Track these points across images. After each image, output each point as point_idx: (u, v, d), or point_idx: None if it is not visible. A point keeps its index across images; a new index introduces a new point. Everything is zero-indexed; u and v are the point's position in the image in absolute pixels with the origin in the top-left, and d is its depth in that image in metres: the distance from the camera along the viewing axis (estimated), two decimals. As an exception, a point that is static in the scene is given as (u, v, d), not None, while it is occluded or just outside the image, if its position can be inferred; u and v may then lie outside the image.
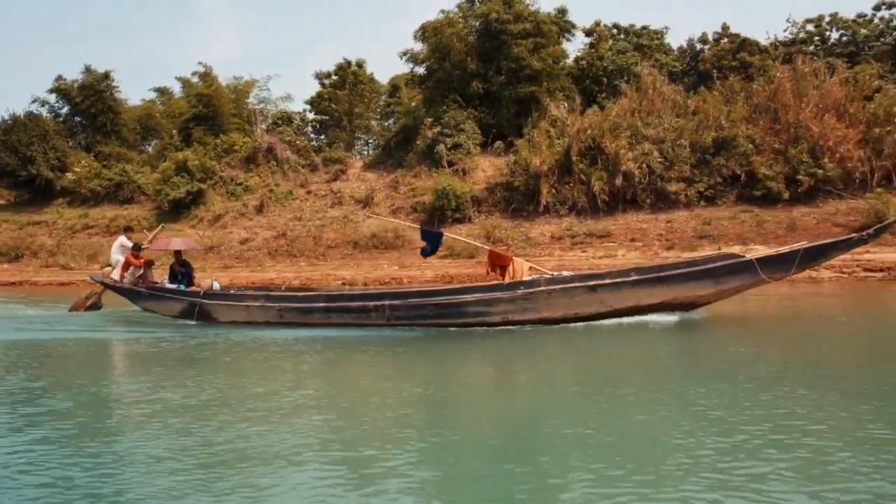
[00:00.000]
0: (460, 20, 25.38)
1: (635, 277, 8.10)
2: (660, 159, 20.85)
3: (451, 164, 23.30)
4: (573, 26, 26.59)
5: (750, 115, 22.21)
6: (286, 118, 29.30)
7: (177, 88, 36.22)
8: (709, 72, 28.12)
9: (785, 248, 8.28)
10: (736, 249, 17.00)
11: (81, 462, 3.48)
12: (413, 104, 27.11)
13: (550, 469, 3.30)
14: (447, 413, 4.54)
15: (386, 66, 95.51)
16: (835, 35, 29.55)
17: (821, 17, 29.49)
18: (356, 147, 33.58)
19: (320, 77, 29.53)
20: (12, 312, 11.92)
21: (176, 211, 27.00)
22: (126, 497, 3.03)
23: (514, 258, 8.96)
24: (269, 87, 34.42)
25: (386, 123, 32.37)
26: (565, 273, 8.80)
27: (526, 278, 8.42)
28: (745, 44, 29.30)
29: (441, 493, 3.05)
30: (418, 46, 26.36)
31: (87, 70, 32.73)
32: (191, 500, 2.97)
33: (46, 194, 30.56)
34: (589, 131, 21.25)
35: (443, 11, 25.83)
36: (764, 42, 29.55)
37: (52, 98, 33.76)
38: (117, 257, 11.58)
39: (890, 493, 2.84)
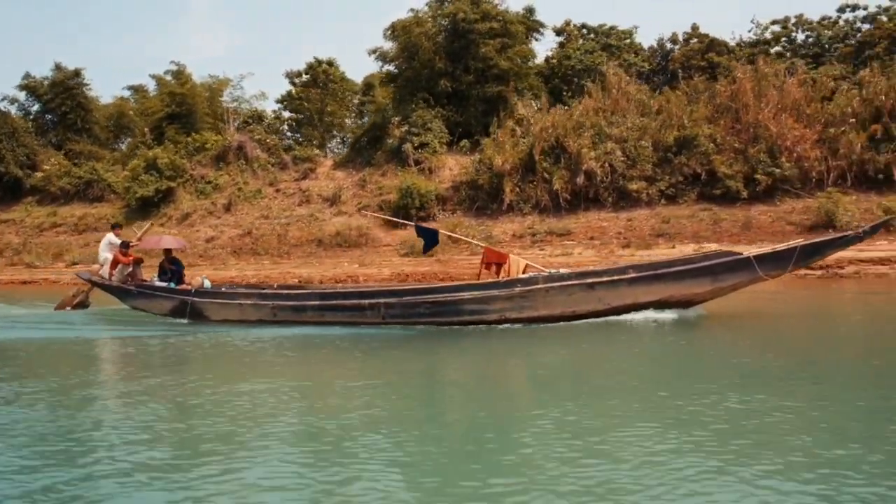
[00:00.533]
0: (429, 19, 25.47)
1: (633, 275, 8.07)
2: (622, 158, 21.07)
3: (417, 162, 23.41)
4: (541, 26, 26.77)
5: (712, 114, 22.50)
6: (257, 117, 29.24)
7: (153, 86, 36.13)
8: (678, 71, 28.42)
9: (782, 246, 8.29)
10: (690, 248, 17.29)
11: (56, 461, 3.42)
12: (386, 102, 27.18)
13: (522, 470, 3.23)
14: (430, 414, 4.47)
15: (366, 64, 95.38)
16: (801, 36, 29.97)
17: (787, 19, 29.89)
18: (331, 145, 33.58)
19: (291, 76, 29.53)
20: None
21: (145, 209, 26.89)
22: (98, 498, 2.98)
23: (510, 255, 8.91)
24: (242, 85, 34.39)
25: (360, 122, 32.41)
26: (563, 270, 8.73)
27: (523, 276, 8.36)
28: (713, 44, 29.63)
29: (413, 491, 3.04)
30: (388, 45, 26.45)
31: (58, 67, 32.51)
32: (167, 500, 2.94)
33: (15, 192, 30.30)
34: (552, 130, 21.42)
35: (412, 10, 25.96)
36: (732, 42, 29.89)
37: (22, 96, 33.51)
38: (105, 255, 11.38)
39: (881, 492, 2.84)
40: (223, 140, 28.27)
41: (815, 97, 22.02)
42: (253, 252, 22.07)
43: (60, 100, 32.25)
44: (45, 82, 32.63)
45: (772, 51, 30.01)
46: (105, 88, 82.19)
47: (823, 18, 29.96)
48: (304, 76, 29.81)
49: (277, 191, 25.95)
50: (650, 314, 7.99)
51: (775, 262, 7.86)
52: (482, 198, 21.72)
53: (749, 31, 31.03)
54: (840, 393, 4.55)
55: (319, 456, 3.48)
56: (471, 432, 3.93)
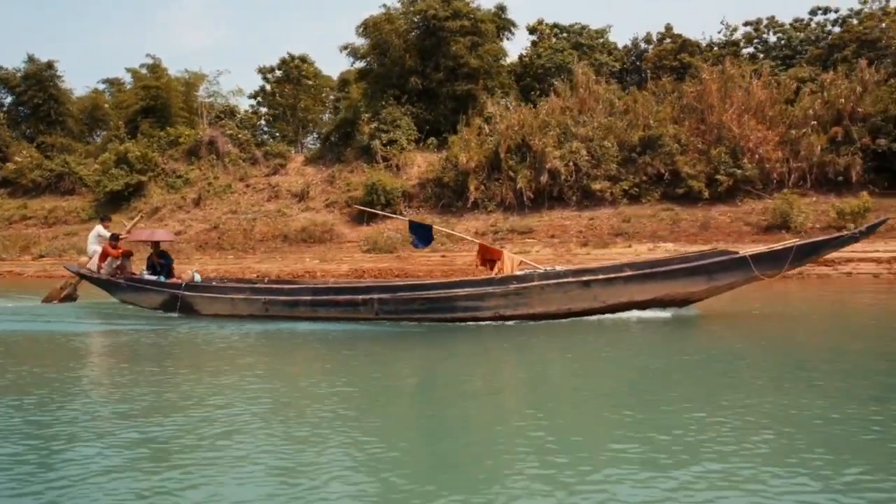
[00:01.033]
0: (401, 16, 25.47)
1: (629, 273, 8.00)
2: (587, 157, 21.19)
3: (385, 159, 23.44)
4: (513, 24, 26.83)
5: (678, 115, 22.68)
6: (229, 112, 29.15)
7: (129, 80, 35.86)
8: (653, 71, 28.58)
9: (778, 245, 8.23)
10: (645, 247, 17.46)
11: (29, 460, 3.38)
12: (358, 99, 27.16)
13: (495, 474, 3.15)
14: (414, 413, 4.41)
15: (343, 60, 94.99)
16: (772, 38, 30.20)
17: (759, 21, 30.11)
18: (306, 141, 33.52)
19: (263, 72, 29.44)
20: None
21: (115, 203, 26.79)
22: (74, 495, 2.95)
23: (504, 252, 8.87)
24: (219, 81, 34.23)
25: (335, 118, 32.37)
26: (558, 268, 8.65)
27: (518, 273, 8.31)
28: (685, 44, 29.79)
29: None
30: (361, 42, 26.43)
31: (30, 59, 32.25)
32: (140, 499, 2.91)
33: (-14, 184, 30.11)
34: (517, 129, 21.51)
35: (384, 6, 25.95)
36: (704, 43, 30.09)
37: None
38: (94, 247, 11.19)
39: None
40: (195, 134, 28.19)
41: (780, 99, 22.24)
42: (218, 247, 22.05)
43: (33, 92, 32.03)
44: (18, 74, 32.34)
45: (744, 52, 30.27)
46: (87, 82, 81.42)
47: (796, 21, 30.22)
48: (276, 72, 29.72)
49: (247, 186, 25.92)
50: (646, 313, 7.94)
51: (771, 262, 7.84)
52: (448, 195, 21.81)
53: (719, 33, 31.24)
54: (830, 391, 4.53)
55: (282, 455, 3.43)
56: (448, 432, 3.83)
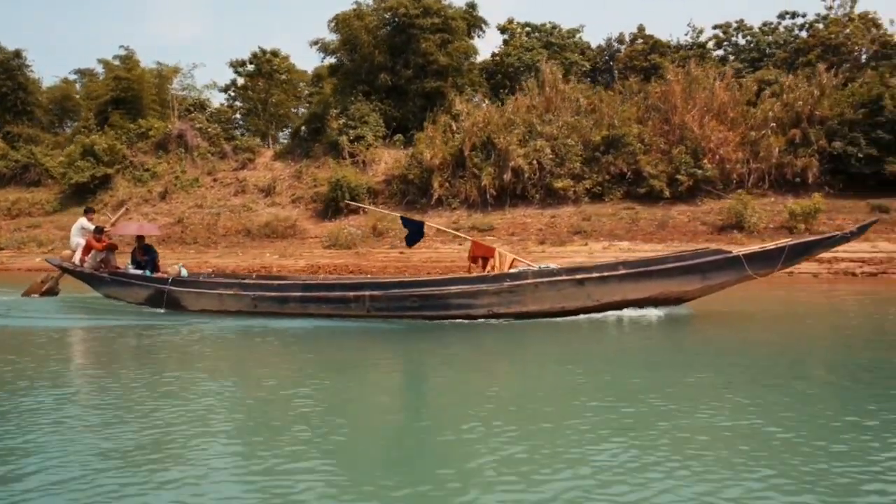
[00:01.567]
0: (371, 13, 25.45)
1: (623, 271, 7.98)
2: (551, 156, 21.35)
3: (352, 155, 23.44)
4: (484, 22, 26.92)
5: (643, 115, 22.92)
6: (199, 105, 28.94)
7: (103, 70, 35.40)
8: (620, 71, 28.86)
9: (771, 245, 8.27)
10: (600, 246, 17.66)
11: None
12: (329, 94, 27.11)
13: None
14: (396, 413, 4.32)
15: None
16: (741, 41, 30.59)
17: (728, 24, 30.47)
18: (280, 136, 33.36)
19: (235, 65, 29.28)
20: None
21: (81, 195, 26.53)
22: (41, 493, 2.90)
23: (497, 249, 8.81)
24: (193, 74, 33.93)
25: (306, 113, 32.26)
26: (552, 265, 8.59)
27: (512, 270, 8.25)
28: (656, 45, 30.10)
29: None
30: (332, 37, 26.37)
31: (-2, 48, 31.72)
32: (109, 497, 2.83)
33: (-50, 175, 29.60)
34: (482, 126, 21.62)
35: (355, 2, 25.90)
36: (672, 44, 30.41)
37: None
38: (77, 240, 10.91)
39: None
40: (164, 127, 27.98)
41: (742, 101, 22.56)
42: (181, 241, 21.92)
43: (0, 81, 31.52)
44: (-16, 63, 31.82)
45: (715, 54, 30.62)
46: (65, 72, 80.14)
47: (765, 24, 30.64)
48: (248, 66, 29.56)
49: (215, 180, 25.79)
50: (639, 311, 7.93)
51: (764, 261, 7.88)
52: (413, 192, 21.86)
53: (686, 35, 31.57)
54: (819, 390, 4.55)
55: (257, 454, 3.38)
56: (428, 433, 3.76)
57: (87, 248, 10.49)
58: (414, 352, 6.65)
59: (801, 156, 20.74)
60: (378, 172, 23.05)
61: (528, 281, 7.94)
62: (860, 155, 20.16)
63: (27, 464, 3.23)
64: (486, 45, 73.75)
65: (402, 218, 9.97)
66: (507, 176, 20.84)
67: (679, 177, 20.52)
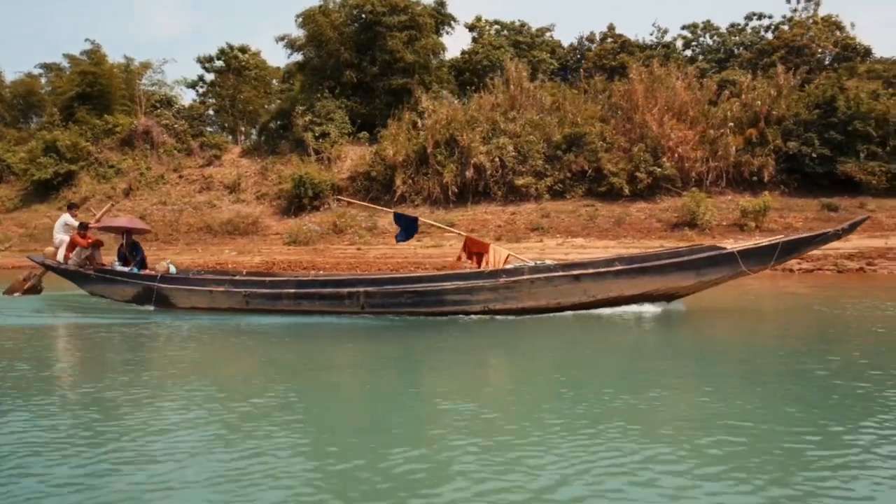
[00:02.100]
0: (337, 10, 25.41)
1: (619, 267, 7.99)
2: (513, 153, 21.51)
3: (317, 152, 23.42)
4: (452, 19, 26.99)
5: (606, 113, 23.17)
6: (166, 101, 28.71)
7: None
8: (589, 70, 29.10)
9: (764, 241, 8.27)
10: (555, 242, 17.84)
11: None
12: (299, 91, 27.03)
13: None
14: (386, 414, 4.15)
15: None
16: (709, 41, 31.00)
17: (695, 25, 30.85)
18: (251, 133, 33.21)
19: (202, 61, 29.09)
20: None
21: (44, 192, 26.27)
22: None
23: (491, 245, 8.76)
24: (163, 69, 33.61)
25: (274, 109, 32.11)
26: (548, 262, 8.55)
27: (508, 266, 8.22)
28: (626, 44, 30.39)
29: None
30: (300, 33, 26.28)
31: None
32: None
33: None
34: (446, 124, 21.71)
35: (322, -1, 25.83)
36: (641, 43, 30.71)
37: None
38: (61, 237, 10.59)
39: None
40: (130, 123, 27.72)
41: (703, 100, 22.88)
42: (142, 238, 21.69)
43: (-38, 76, 31.06)
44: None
45: (683, 54, 31.01)
46: (27, 67, 78.94)
47: (732, 25, 31.08)
48: (216, 62, 29.39)
49: (180, 177, 25.62)
50: (634, 307, 7.97)
51: (758, 258, 7.94)
52: (376, 189, 21.91)
53: (651, 35, 31.93)
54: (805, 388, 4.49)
55: (231, 449, 3.34)
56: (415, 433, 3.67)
57: (72, 245, 10.20)
58: (408, 348, 6.57)
59: (758, 155, 21.11)
60: (343, 169, 23.06)
61: (525, 277, 7.92)
62: (814, 155, 20.57)
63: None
64: (459, 43, 74.03)
65: (394, 214, 9.88)
66: (469, 173, 20.97)
67: (639, 175, 20.79)
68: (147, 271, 9.99)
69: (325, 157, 23.22)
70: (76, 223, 10.54)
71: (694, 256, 8.01)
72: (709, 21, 30.57)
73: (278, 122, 26.10)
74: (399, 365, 5.67)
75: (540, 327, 7.29)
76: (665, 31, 30.64)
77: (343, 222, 19.85)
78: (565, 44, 32.93)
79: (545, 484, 2.87)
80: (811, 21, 29.34)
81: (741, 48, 30.31)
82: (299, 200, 21.57)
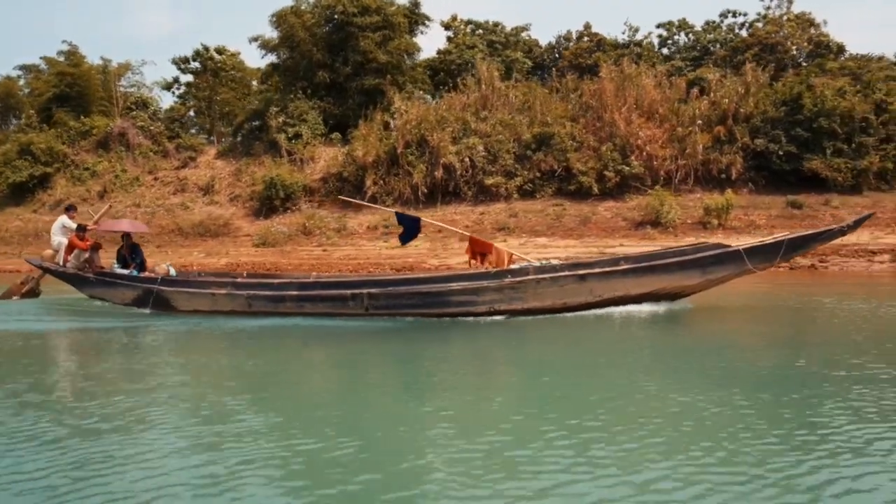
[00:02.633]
0: (309, 10, 25.43)
1: (624, 267, 7.94)
2: (483, 153, 21.61)
3: (290, 153, 23.48)
4: (427, 18, 27.04)
5: (577, 112, 23.27)
6: (142, 103, 28.71)
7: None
8: (559, 69, 29.19)
9: (770, 239, 8.29)
10: (518, 241, 17.97)
11: None
12: (273, 92, 27.06)
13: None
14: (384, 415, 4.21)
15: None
16: (684, 39, 31.12)
17: (671, 23, 30.97)
18: (227, 133, 33.20)
19: (178, 62, 29.08)
20: None
21: (19, 195, 26.26)
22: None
23: (495, 245, 8.72)
24: (142, 70, 33.50)
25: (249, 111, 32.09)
26: (553, 261, 8.51)
27: (514, 266, 8.16)
28: (602, 43, 30.49)
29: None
30: (273, 34, 26.30)
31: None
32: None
33: None
34: (416, 124, 21.79)
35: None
36: (615, 42, 30.81)
37: None
38: (59, 239, 10.48)
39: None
40: (106, 125, 27.72)
41: (672, 99, 23.00)
42: (113, 240, 21.75)
43: (-63, 78, 30.96)
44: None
45: (659, 52, 31.13)
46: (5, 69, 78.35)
47: (707, 23, 31.21)
48: (191, 63, 29.41)
49: (156, 179, 25.65)
50: (640, 306, 7.93)
51: (763, 255, 7.94)
52: (348, 190, 21.96)
53: (623, 34, 32.01)
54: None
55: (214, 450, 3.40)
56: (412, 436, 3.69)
57: (70, 248, 10.09)
58: (412, 350, 6.53)
59: (726, 153, 21.25)
60: (316, 170, 23.12)
61: (530, 277, 7.85)
62: (781, 152, 20.73)
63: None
64: (436, 43, 73.62)
65: (396, 214, 9.77)
66: (439, 173, 21.06)
67: (607, 174, 20.91)
68: (147, 273, 9.94)
69: (297, 159, 23.28)
70: (74, 225, 10.45)
71: (700, 255, 8.00)
72: (684, 19, 30.71)
73: (253, 124, 26.12)
74: (404, 369, 5.68)
75: (545, 327, 7.30)
76: (636, 30, 30.71)
77: (312, 224, 19.94)
78: (543, 43, 33.05)
79: (545, 484, 2.92)
80: (785, 18, 29.49)
81: (716, 46, 30.44)
82: (270, 202, 21.64)
